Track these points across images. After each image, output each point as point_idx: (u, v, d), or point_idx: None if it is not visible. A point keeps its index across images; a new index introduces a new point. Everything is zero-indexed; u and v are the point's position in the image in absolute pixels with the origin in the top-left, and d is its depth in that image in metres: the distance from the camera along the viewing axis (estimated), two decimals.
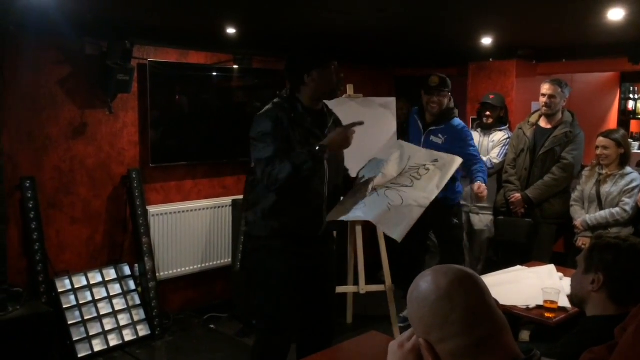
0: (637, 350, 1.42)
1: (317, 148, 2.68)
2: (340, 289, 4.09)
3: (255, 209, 2.81)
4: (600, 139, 3.92)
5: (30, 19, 3.52)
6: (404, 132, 5.11)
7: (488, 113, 4.55)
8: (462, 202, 4.67)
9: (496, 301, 1.13)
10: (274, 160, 2.65)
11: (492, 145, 4.53)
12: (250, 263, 2.83)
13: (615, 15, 3.24)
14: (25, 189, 3.79)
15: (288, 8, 3.37)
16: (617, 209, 3.82)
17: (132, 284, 4.28)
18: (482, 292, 1.11)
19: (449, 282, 1.10)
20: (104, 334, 3.99)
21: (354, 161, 3.90)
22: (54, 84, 3.92)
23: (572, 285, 2.03)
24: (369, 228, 4.27)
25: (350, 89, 4.02)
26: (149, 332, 4.21)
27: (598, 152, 3.91)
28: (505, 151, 4.45)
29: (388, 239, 4.03)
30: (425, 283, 1.12)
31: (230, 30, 4.10)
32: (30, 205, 3.81)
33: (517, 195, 4.25)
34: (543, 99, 4.21)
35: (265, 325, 2.92)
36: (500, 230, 4.44)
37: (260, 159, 2.69)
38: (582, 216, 3.96)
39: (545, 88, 4.20)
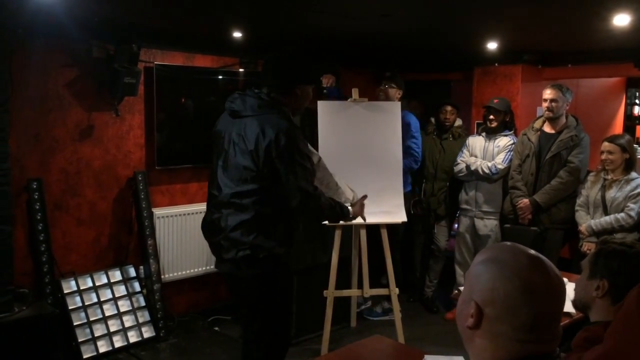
0: None
1: (349, 211, 2.88)
2: (344, 293, 4.10)
3: (276, 232, 2.63)
4: (605, 144, 3.91)
5: (39, 23, 3.55)
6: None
7: (492, 117, 4.55)
8: (466, 207, 4.68)
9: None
10: (317, 195, 2.64)
11: (497, 151, 4.53)
12: (270, 282, 2.68)
13: (621, 20, 3.24)
14: (32, 191, 3.82)
15: (294, 12, 3.39)
16: (622, 214, 3.81)
17: (137, 286, 4.30)
18: (561, 304, 1.10)
19: (542, 284, 1.07)
20: (109, 335, 4.01)
21: (358, 165, 3.92)
22: (61, 87, 3.95)
23: (576, 290, 2.03)
24: (373, 231, 4.27)
25: (355, 92, 4.03)
26: (154, 334, 4.23)
27: (603, 157, 3.91)
28: (510, 157, 4.44)
29: (392, 243, 4.04)
30: (521, 264, 1.09)
31: (237, 34, 4.12)
32: (37, 207, 3.83)
33: (525, 200, 4.24)
34: (545, 104, 4.22)
35: (281, 336, 2.83)
36: (506, 239, 4.43)
37: (307, 191, 2.55)
38: (587, 221, 3.96)
39: (547, 93, 4.21)
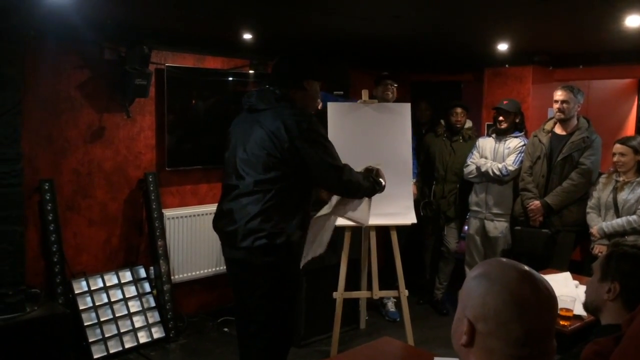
0: None
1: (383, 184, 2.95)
2: (353, 294, 4.10)
3: (295, 217, 2.68)
4: (617, 145, 3.88)
5: (51, 25, 3.59)
6: (425, 133, 5.13)
7: (501, 118, 4.53)
8: (476, 208, 4.66)
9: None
10: (348, 168, 2.76)
11: (507, 152, 4.50)
12: (280, 272, 2.71)
13: (633, 22, 3.22)
14: (44, 192, 3.85)
15: (304, 14, 3.39)
16: (634, 216, 3.77)
17: (147, 286, 4.32)
18: (552, 318, 1.10)
19: (532, 298, 1.07)
20: (119, 335, 4.03)
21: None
22: (73, 88, 3.98)
23: (587, 293, 2.02)
24: (383, 233, 4.27)
25: (365, 94, 4.02)
26: (164, 335, 4.25)
27: (615, 159, 3.88)
28: (520, 158, 4.42)
29: (402, 245, 4.03)
30: (510, 278, 1.09)
31: (247, 36, 4.14)
32: (49, 208, 3.86)
33: (536, 202, 4.21)
34: (556, 105, 4.20)
35: (285, 330, 2.83)
36: (517, 241, 4.40)
37: (338, 165, 2.70)
38: (599, 224, 3.93)
39: (558, 94, 4.19)
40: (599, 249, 3.86)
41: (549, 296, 1.10)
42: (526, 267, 1.12)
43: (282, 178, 2.63)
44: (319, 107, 2.97)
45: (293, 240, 2.67)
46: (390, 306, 4.86)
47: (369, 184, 2.89)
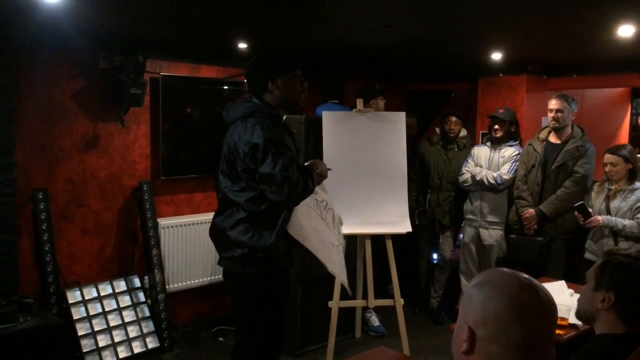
0: None
1: (315, 172, 2.72)
2: (349, 303, 4.09)
3: (275, 227, 2.64)
4: (608, 155, 3.89)
5: (46, 34, 3.59)
6: (412, 146, 5.13)
7: (497, 127, 4.55)
8: (471, 217, 4.67)
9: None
10: (298, 178, 2.52)
11: (502, 161, 4.52)
12: (264, 282, 2.70)
13: (626, 31, 3.25)
14: (38, 201, 3.83)
15: (298, 23, 3.40)
16: (632, 221, 3.76)
17: (141, 296, 4.30)
18: (552, 325, 1.11)
19: (532, 303, 1.08)
20: (113, 345, 4.01)
21: (363, 175, 3.92)
22: (67, 97, 3.97)
23: (580, 302, 2.02)
24: (378, 242, 4.27)
25: (359, 103, 4.04)
26: (158, 344, 4.22)
27: (607, 169, 3.88)
28: (515, 167, 4.44)
29: (397, 253, 4.03)
30: (511, 285, 1.10)
31: (242, 45, 4.15)
32: (43, 217, 3.84)
33: (531, 210, 4.23)
34: (551, 114, 4.22)
35: (271, 341, 2.81)
36: (512, 250, 4.41)
37: (282, 176, 2.45)
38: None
39: (553, 103, 4.21)
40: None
41: (549, 303, 1.10)
42: (526, 275, 1.14)
43: (249, 188, 2.63)
44: (304, 94, 2.82)
45: (274, 252, 2.66)
46: (374, 320, 4.73)
47: (306, 191, 2.61)
